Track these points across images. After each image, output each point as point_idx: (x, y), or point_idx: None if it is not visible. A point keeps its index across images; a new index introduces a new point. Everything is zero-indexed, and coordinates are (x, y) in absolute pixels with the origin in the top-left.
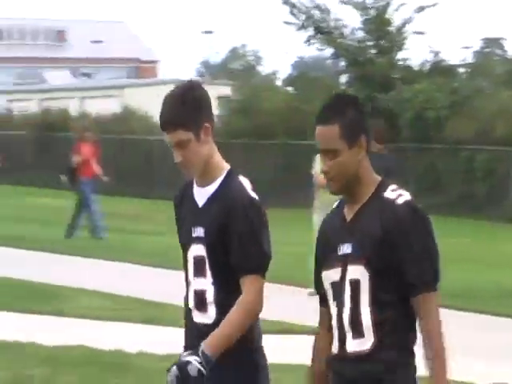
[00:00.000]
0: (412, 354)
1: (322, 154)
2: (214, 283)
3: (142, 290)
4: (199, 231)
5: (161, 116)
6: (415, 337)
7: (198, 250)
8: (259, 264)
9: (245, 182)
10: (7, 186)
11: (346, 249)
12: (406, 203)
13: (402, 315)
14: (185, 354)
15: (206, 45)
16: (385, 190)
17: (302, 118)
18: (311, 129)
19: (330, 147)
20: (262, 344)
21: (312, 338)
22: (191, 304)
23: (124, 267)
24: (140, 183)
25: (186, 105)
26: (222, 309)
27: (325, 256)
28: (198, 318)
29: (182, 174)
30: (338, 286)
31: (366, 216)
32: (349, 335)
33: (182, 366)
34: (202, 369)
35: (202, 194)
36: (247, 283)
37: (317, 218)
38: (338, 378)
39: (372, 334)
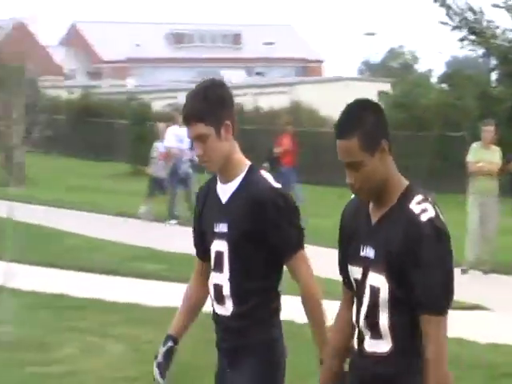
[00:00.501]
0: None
1: (346, 167)
2: (230, 279)
3: None
4: (222, 227)
5: (184, 109)
6: None
7: (219, 245)
8: (300, 241)
9: (266, 175)
10: None
11: (368, 252)
12: (430, 221)
13: (419, 324)
14: None
15: (366, 45)
16: (410, 201)
17: (456, 113)
18: (464, 122)
19: (353, 160)
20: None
21: None
22: (212, 296)
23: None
24: (307, 171)
25: (207, 101)
26: (238, 300)
27: (349, 248)
28: (218, 309)
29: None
30: (359, 285)
31: (390, 225)
32: (367, 335)
33: None
34: None
35: (224, 191)
36: (298, 261)
37: (471, 203)
38: (354, 373)
39: (390, 337)
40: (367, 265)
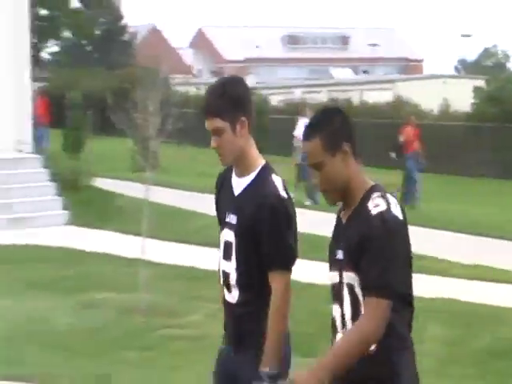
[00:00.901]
0: (411, 353)
1: (312, 168)
2: (237, 268)
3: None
4: (232, 218)
5: (203, 104)
6: (410, 337)
7: (228, 235)
8: (286, 260)
9: (277, 180)
10: None
11: (339, 254)
12: (378, 214)
13: (399, 317)
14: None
15: (463, 46)
16: (369, 199)
17: None
18: None
19: (316, 160)
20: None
21: None
22: (221, 281)
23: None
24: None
25: (224, 97)
26: (244, 290)
27: (330, 253)
28: (227, 296)
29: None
30: (337, 288)
31: (351, 225)
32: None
33: None
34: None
35: (238, 184)
36: (278, 279)
37: None
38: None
39: None
40: (340, 267)
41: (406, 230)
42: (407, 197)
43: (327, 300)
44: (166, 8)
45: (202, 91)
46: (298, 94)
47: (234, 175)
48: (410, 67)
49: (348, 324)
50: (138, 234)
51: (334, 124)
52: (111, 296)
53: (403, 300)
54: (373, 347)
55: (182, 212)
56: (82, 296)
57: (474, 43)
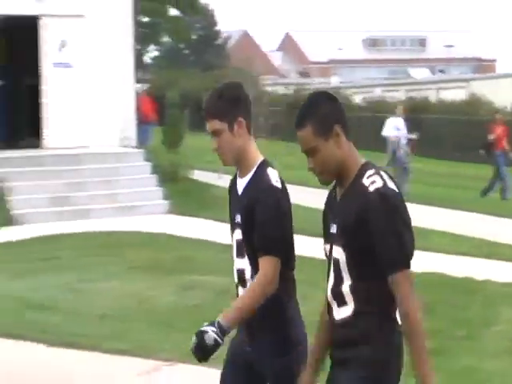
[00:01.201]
0: (393, 322)
1: (306, 154)
2: (251, 263)
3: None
4: (238, 218)
5: (203, 107)
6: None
7: (238, 234)
8: (276, 246)
9: (271, 173)
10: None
11: (333, 229)
12: (376, 190)
13: (382, 286)
14: (204, 324)
15: None
16: (363, 177)
17: None
18: None
19: (310, 146)
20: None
21: None
22: (235, 280)
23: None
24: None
25: (221, 100)
26: None
27: (324, 229)
28: (242, 292)
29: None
30: (328, 261)
31: (346, 201)
32: (334, 305)
33: (200, 335)
34: (218, 338)
35: (241, 184)
36: (264, 263)
37: None
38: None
39: (352, 303)
40: (332, 240)
41: (404, 201)
42: (505, 191)
43: None
44: (256, 14)
45: (290, 91)
46: (377, 92)
47: (238, 177)
48: (483, 67)
49: (331, 292)
50: None
51: (323, 109)
52: (208, 278)
53: None
54: (350, 311)
55: None
56: (182, 278)
57: None
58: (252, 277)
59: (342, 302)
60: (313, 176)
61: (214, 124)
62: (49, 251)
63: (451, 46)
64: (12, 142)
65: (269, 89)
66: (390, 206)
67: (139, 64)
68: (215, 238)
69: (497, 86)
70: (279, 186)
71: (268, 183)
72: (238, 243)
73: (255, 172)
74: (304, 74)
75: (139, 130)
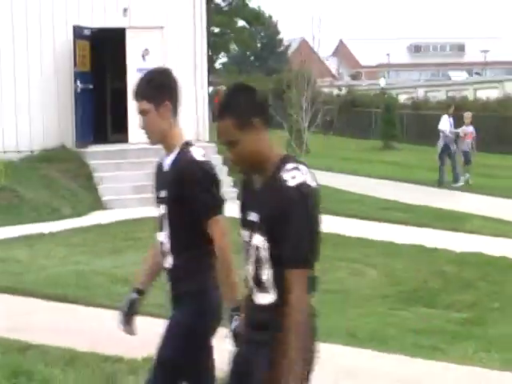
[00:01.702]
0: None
1: (225, 145)
2: (169, 236)
3: None
4: (163, 193)
5: (133, 89)
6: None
7: (162, 208)
8: (217, 207)
9: (196, 150)
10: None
11: (252, 217)
12: (294, 186)
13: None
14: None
15: None
16: (282, 170)
17: None
18: None
19: (229, 139)
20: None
21: None
22: (159, 249)
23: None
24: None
25: (151, 83)
26: (175, 255)
27: (241, 213)
28: (166, 264)
29: None
30: (247, 246)
31: (266, 192)
32: (255, 289)
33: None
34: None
35: (166, 162)
36: (212, 225)
37: None
38: (247, 320)
39: (273, 290)
40: (252, 228)
41: (319, 197)
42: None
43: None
44: (313, 23)
45: (343, 92)
46: (420, 93)
47: (164, 157)
48: None
49: (252, 278)
50: None
51: (242, 102)
52: None
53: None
54: (270, 298)
55: (326, 189)
56: None
57: None
58: (171, 249)
59: (262, 288)
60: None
61: (142, 104)
62: (131, 233)
63: (487, 50)
64: (101, 138)
65: (324, 90)
66: (308, 205)
67: (211, 69)
68: None
69: None
70: (204, 159)
71: (192, 158)
72: (161, 217)
73: (179, 151)
74: (355, 76)
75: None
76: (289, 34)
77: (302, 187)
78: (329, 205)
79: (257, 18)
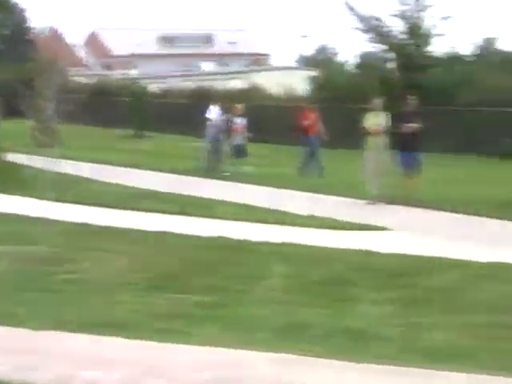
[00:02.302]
0: None
1: None
2: None
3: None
4: None
5: None
6: None
7: None
8: None
9: None
10: None
11: None
12: None
13: None
14: None
15: (302, 43)
16: None
17: (363, 90)
18: (368, 96)
19: None
20: None
21: None
22: None
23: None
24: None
25: None
26: None
27: None
28: None
29: None
30: None
31: None
32: None
33: None
34: None
35: None
36: None
37: (367, 155)
38: None
39: None
40: None
41: None
42: (310, 169)
43: None
44: (63, 11)
45: (94, 81)
46: (171, 83)
47: None
48: (259, 61)
49: None
50: (42, 197)
51: None
52: (17, 248)
53: None
54: None
55: (75, 178)
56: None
57: (310, 41)
58: None
59: None
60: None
61: None
62: None
63: (234, 42)
64: None
65: (75, 79)
66: None
67: None
68: (26, 212)
69: (271, 77)
70: None
71: None
72: None
73: None
74: (107, 66)
75: None
76: (39, 23)
77: None
78: (77, 194)
79: (1, 5)
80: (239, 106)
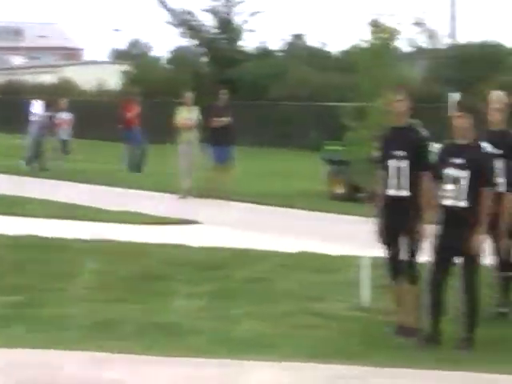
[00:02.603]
0: None
1: None
2: None
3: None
4: None
5: None
6: None
7: None
8: None
9: None
10: None
11: None
12: None
13: None
14: None
15: (114, 37)
16: None
17: (176, 85)
18: (180, 91)
19: None
20: None
21: None
22: None
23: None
24: None
25: None
26: None
27: None
28: None
29: None
30: None
31: None
32: None
33: None
34: None
35: None
36: None
37: (180, 149)
38: None
39: None
40: None
41: None
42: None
43: None
44: None
45: None
46: None
47: None
48: (71, 54)
49: None
50: None
51: None
52: None
53: None
54: None
55: None
56: None
57: (123, 36)
58: None
59: None
60: None
61: None
62: None
63: (45, 36)
64: None
65: None
66: None
67: None
68: None
69: (84, 71)
70: None
71: None
72: None
73: None
74: None
75: None
76: None
77: None
78: None
79: None
80: (63, 101)
